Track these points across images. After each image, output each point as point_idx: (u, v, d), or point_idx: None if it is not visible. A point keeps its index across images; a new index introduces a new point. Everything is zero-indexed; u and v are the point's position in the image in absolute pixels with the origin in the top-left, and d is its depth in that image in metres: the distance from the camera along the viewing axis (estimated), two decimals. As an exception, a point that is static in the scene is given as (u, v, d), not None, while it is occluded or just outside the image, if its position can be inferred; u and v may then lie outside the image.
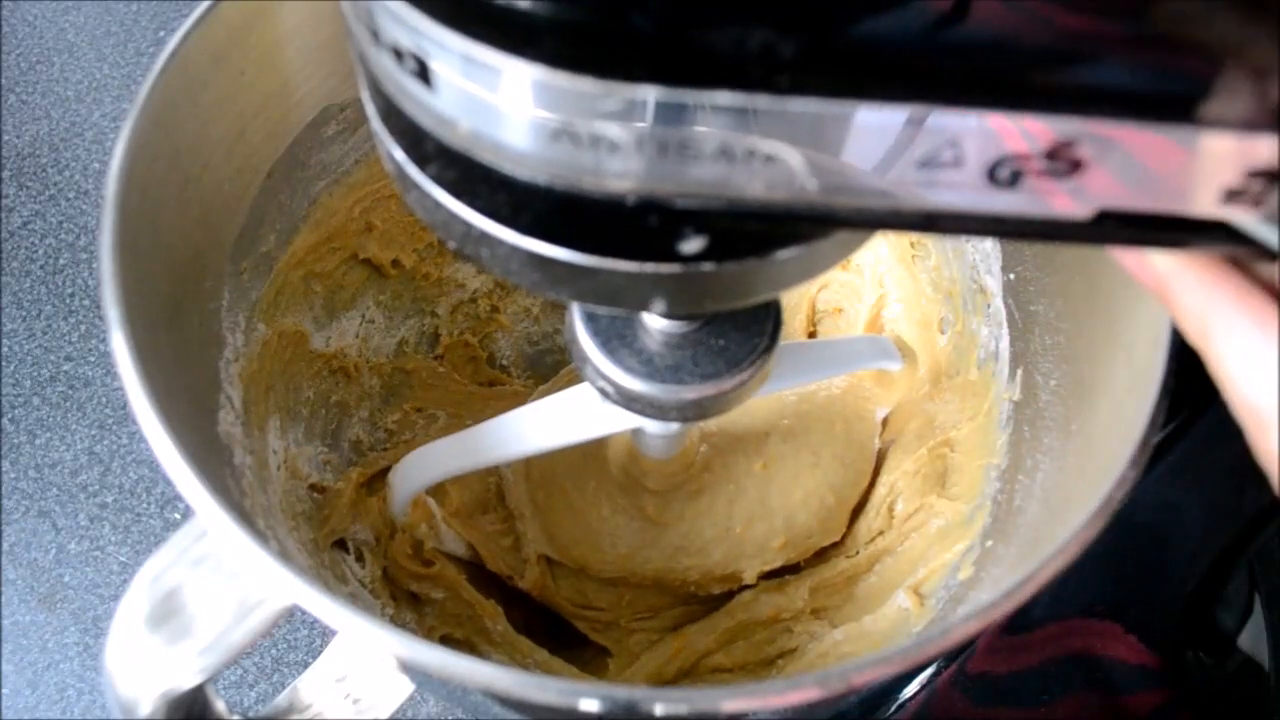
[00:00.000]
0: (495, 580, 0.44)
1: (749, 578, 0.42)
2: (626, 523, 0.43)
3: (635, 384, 0.28)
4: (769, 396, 0.44)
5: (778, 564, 0.42)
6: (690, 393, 0.28)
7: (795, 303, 0.49)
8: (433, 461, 0.39)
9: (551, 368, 0.51)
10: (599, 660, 0.43)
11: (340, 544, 0.40)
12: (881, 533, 0.44)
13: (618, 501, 0.43)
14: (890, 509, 0.44)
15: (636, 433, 0.39)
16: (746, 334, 0.28)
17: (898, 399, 0.44)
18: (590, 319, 0.28)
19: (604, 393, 0.29)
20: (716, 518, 0.42)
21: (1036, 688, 0.42)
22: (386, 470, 0.44)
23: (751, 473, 0.43)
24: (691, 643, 0.42)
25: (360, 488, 0.42)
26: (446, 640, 0.41)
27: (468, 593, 0.41)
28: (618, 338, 0.28)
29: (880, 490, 0.44)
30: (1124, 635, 0.42)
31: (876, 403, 0.45)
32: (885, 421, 0.46)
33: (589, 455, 0.44)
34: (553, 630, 0.45)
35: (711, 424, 0.43)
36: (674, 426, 0.35)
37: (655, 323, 0.28)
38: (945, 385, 0.43)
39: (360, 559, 0.40)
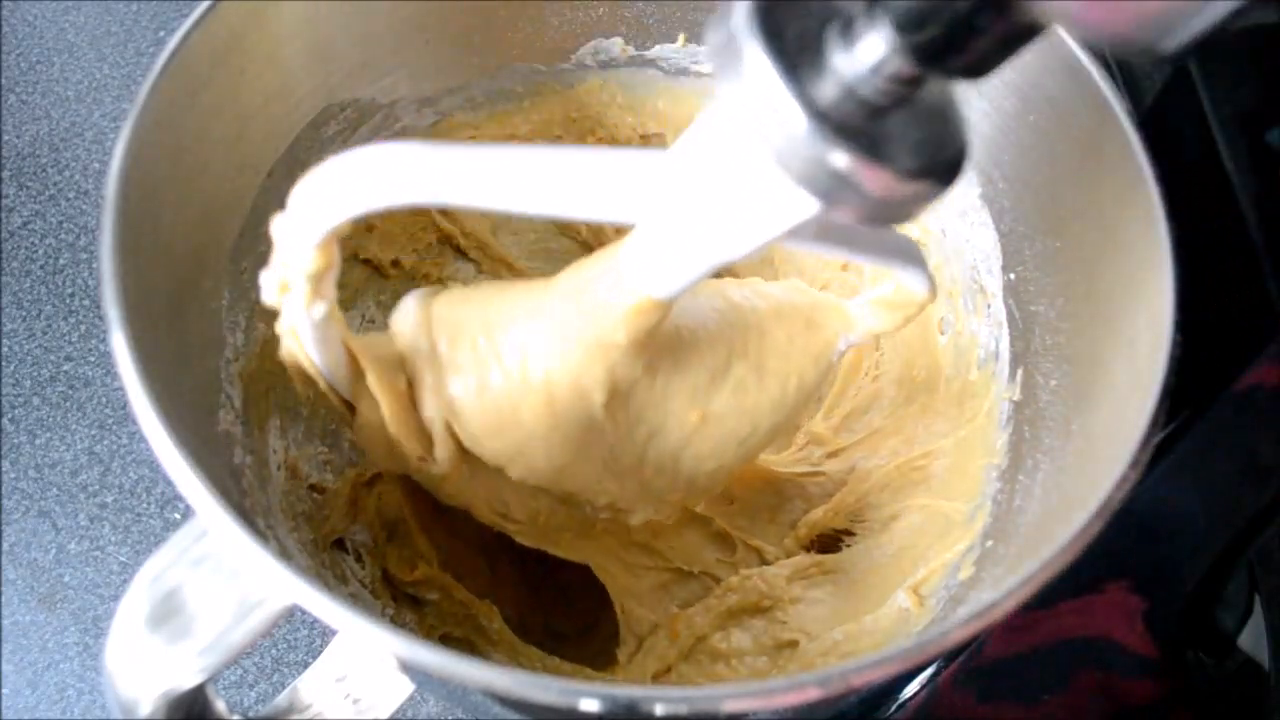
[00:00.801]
0: (487, 579, 0.44)
1: (636, 521, 0.38)
2: (573, 424, 0.33)
3: (821, 139, 0.21)
4: (742, 307, 0.36)
5: (664, 516, 0.39)
6: (880, 180, 0.22)
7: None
8: (390, 169, 0.26)
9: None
10: (605, 654, 0.43)
11: (340, 544, 0.40)
12: (850, 530, 0.44)
13: (559, 390, 0.32)
14: (858, 516, 0.44)
15: (643, 245, 0.29)
16: (945, 136, 0.23)
17: (881, 330, 0.37)
18: (775, 35, 0.21)
19: (768, 138, 0.22)
20: (634, 446, 0.35)
21: (1039, 676, 0.42)
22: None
23: (684, 420, 0.35)
24: (689, 625, 0.42)
25: (359, 488, 0.42)
26: (446, 639, 0.41)
27: (461, 593, 0.41)
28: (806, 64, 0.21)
29: (847, 499, 0.44)
30: (1134, 612, 0.41)
31: (847, 330, 0.37)
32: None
33: (513, 301, 0.33)
34: (552, 628, 0.45)
35: (682, 308, 0.34)
36: (771, 232, 0.25)
37: (854, 66, 0.21)
38: (928, 402, 0.43)
39: (360, 559, 0.40)
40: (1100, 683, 0.41)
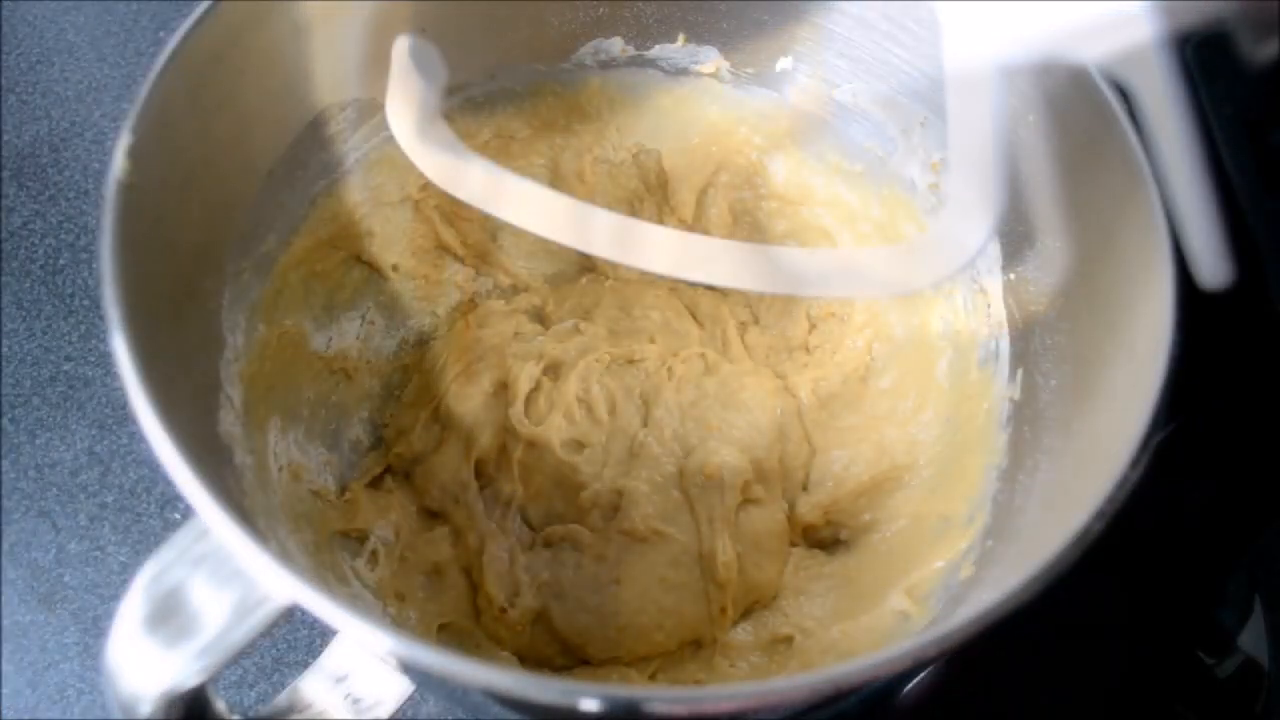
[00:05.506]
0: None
1: (636, 517, 0.42)
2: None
3: None
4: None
5: (660, 505, 0.43)
6: None
7: (787, 306, 0.49)
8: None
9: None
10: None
11: (343, 544, 0.40)
12: (842, 528, 0.44)
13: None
14: (839, 521, 0.44)
15: None
16: None
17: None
18: None
19: None
20: (677, 408, 0.43)
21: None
22: (390, 471, 0.44)
23: (715, 395, 0.42)
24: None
25: (367, 489, 0.42)
26: (446, 629, 0.41)
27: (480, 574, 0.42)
28: None
29: (824, 500, 0.45)
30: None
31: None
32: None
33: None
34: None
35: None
36: None
37: None
38: (914, 410, 0.44)
39: (373, 559, 0.40)
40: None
